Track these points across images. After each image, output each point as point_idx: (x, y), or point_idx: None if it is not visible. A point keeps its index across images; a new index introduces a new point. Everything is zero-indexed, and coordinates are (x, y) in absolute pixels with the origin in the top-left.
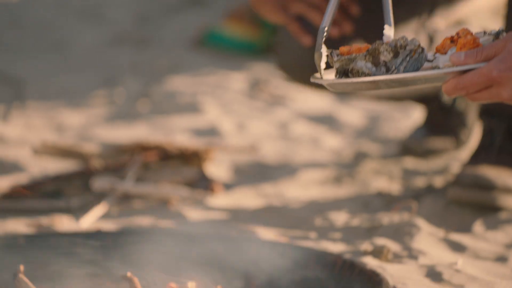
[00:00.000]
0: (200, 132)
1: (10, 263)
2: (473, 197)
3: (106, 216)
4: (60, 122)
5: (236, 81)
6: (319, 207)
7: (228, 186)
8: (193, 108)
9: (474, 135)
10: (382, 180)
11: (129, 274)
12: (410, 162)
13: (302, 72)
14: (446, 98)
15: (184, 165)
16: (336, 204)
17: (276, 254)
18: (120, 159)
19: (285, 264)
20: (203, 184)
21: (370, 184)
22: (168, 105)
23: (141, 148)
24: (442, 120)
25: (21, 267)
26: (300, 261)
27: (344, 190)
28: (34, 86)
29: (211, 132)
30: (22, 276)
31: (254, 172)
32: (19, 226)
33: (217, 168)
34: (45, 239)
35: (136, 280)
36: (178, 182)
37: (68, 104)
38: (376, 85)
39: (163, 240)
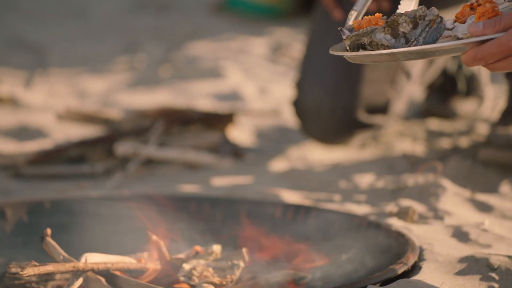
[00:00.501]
0: (222, 97)
1: (37, 227)
2: (507, 158)
3: (129, 181)
4: (82, 88)
5: (258, 45)
6: (343, 170)
7: (251, 150)
8: (214, 73)
9: (503, 96)
10: (406, 142)
11: (154, 237)
12: (434, 124)
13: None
14: (465, 68)
15: (207, 130)
16: (360, 167)
17: (301, 217)
18: (143, 124)
19: (309, 227)
20: (226, 148)
21: (394, 146)
22: (190, 71)
23: (164, 113)
24: (455, 82)
25: (48, 231)
26: (324, 223)
27: (368, 153)
28: (56, 52)
29: (233, 96)
30: (49, 239)
31: (277, 136)
32: (44, 191)
33: (240, 132)
34: (70, 204)
35: (162, 243)
36: (201, 147)
37: (90, 70)
38: (395, 57)
39: (186, 205)
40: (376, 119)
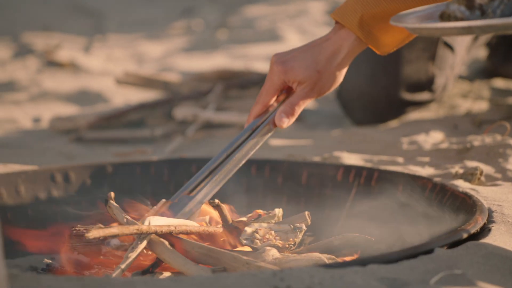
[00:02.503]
0: None
1: (100, 190)
2: None
3: (188, 144)
4: (140, 53)
5: (315, 8)
6: (406, 131)
7: (310, 112)
8: (272, 36)
9: None
10: (471, 102)
11: (217, 201)
12: (498, 83)
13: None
14: None
15: None
16: (424, 127)
17: (363, 179)
18: (201, 88)
19: (371, 189)
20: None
21: (459, 107)
22: (247, 34)
23: (222, 76)
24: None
25: (112, 194)
26: (388, 185)
27: (431, 113)
28: (113, 17)
29: None
30: (112, 202)
31: (336, 97)
32: (106, 155)
33: None
34: (131, 167)
35: (223, 206)
36: None
37: (147, 35)
38: (469, 30)
39: (247, 168)
40: (422, 95)
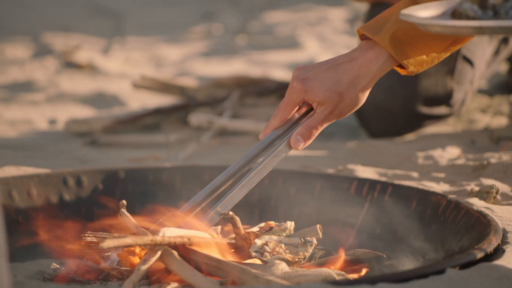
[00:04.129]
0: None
1: (112, 195)
2: None
3: (202, 151)
4: (159, 56)
5: (335, 16)
6: (422, 145)
7: None
8: (291, 43)
9: None
10: (490, 117)
11: (231, 213)
12: None
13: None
14: None
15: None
16: (440, 142)
17: (376, 193)
18: (217, 94)
19: (385, 203)
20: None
21: (477, 122)
22: (266, 40)
23: (239, 83)
24: None
25: (124, 202)
26: (401, 200)
27: (449, 127)
28: (133, 19)
29: None
30: (124, 210)
31: None
32: (119, 160)
33: None
34: (144, 173)
35: (237, 218)
36: None
37: (166, 39)
38: (480, 30)
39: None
40: (439, 110)
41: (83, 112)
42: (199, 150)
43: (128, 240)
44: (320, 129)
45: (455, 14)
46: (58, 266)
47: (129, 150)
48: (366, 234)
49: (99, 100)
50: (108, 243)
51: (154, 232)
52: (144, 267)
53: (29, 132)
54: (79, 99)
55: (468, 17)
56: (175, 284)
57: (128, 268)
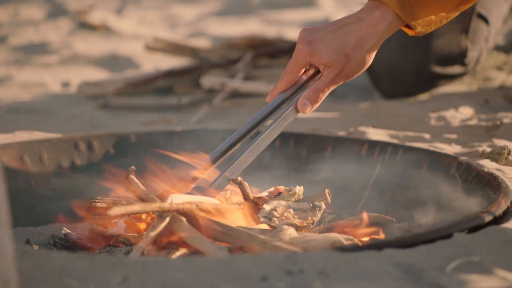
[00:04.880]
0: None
1: (123, 160)
2: None
3: (215, 113)
4: (173, 16)
5: None
6: (435, 105)
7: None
8: (307, 1)
9: None
10: (506, 74)
11: (239, 178)
12: None
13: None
14: None
15: None
16: (453, 102)
17: (388, 155)
18: (230, 56)
19: (395, 165)
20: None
21: (492, 80)
22: None
23: (252, 44)
24: None
25: (133, 168)
26: (412, 162)
27: (463, 86)
28: None
29: None
30: (133, 176)
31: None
32: (131, 123)
33: None
34: (155, 137)
35: (246, 184)
36: None
37: None
38: None
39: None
40: (453, 69)
41: (96, 74)
42: (211, 112)
43: (136, 207)
44: (327, 92)
45: None
46: (69, 231)
47: (141, 113)
48: (377, 196)
49: (112, 62)
50: (116, 210)
51: (162, 199)
52: (153, 234)
53: (42, 95)
54: (92, 61)
55: None
56: (184, 250)
57: (135, 234)
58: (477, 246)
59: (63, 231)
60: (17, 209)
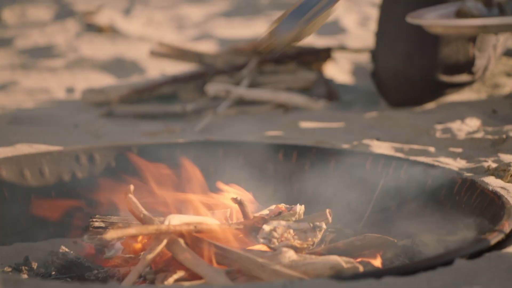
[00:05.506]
0: (321, 28)
1: (125, 172)
2: None
3: (219, 121)
4: (181, 16)
5: None
6: (441, 116)
7: (347, 89)
8: None
9: None
10: None
11: (239, 198)
12: None
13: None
14: None
15: (302, 68)
16: (460, 112)
17: (391, 169)
18: (236, 62)
19: (399, 180)
20: (320, 89)
21: (502, 86)
22: None
23: (257, 50)
24: None
25: (131, 187)
26: (416, 177)
27: (471, 93)
28: None
29: (333, 28)
30: (131, 196)
31: (370, 77)
32: (134, 133)
33: (337, 69)
34: (157, 149)
35: (246, 203)
36: (295, 86)
37: None
38: (485, 29)
39: (273, 153)
40: (460, 77)
41: (102, 79)
42: (216, 120)
43: (132, 230)
44: None
45: (459, 13)
46: (66, 249)
47: (145, 121)
48: (380, 212)
49: (118, 66)
50: (112, 234)
51: (163, 217)
52: (150, 256)
53: (46, 101)
54: (98, 65)
55: (473, 16)
56: (181, 273)
57: (131, 256)
58: (478, 274)
59: (61, 250)
60: (16, 224)
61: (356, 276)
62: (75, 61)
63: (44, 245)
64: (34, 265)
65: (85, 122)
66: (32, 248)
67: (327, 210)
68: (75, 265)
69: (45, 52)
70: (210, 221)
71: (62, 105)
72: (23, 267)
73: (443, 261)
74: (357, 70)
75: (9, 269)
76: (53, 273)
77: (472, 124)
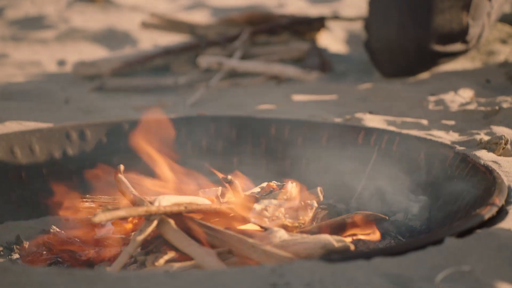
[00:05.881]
0: None
1: (114, 150)
2: None
3: (211, 94)
4: None
5: None
6: (434, 87)
7: (341, 59)
8: None
9: None
10: (510, 49)
11: (230, 177)
12: None
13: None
14: None
15: (295, 38)
16: (454, 83)
17: (384, 143)
18: (228, 33)
19: (392, 154)
20: (314, 59)
21: (497, 53)
22: None
23: (251, 20)
24: None
25: (121, 167)
26: (408, 151)
27: (466, 62)
28: None
29: None
30: (121, 176)
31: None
32: (125, 108)
33: (330, 39)
34: (148, 125)
35: (236, 183)
36: (288, 57)
37: None
38: None
39: (266, 128)
40: (454, 47)
41: (93, 51)
42: (208, 94)
43: (122, 212)
44: None
45: None
46: (57, 229)
47: (137, 95)
48: (372, 186)
49: (110, 37)
50: (101, 217)
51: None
52: (140, 238)
53: (37, 75)
54: (89, 36)
55: None
56: (172, 254)
57: (123, 236)
58: (468, 253)
59: (51, 230)
60: (7, 202)
61: (345, 257)
62: (66, 32)
63: (36, 223)
64: (26, 244)
65: (76, 96)
66: (23, 226)
67: (318, 188)
68: (66, 246)
69: (36, 22)
70: (200, 201)
71: (53, 78)
72: (14, 246)
73: (433, 240)
74: (351, 39)
75: (1, 248)
76: (44, 252)
77: (465, 95)
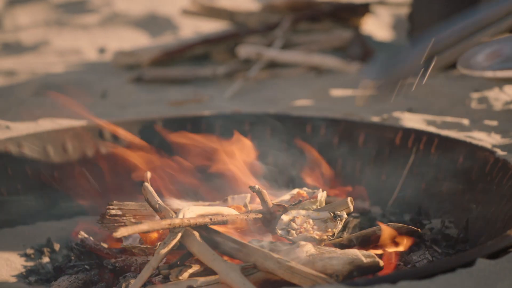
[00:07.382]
0: None
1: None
2: None
3: (250, 85)
4: None
5: None
6: (479, 83)
7: (382, 46)
8: None
9: None
10: None
11: (257, 187)
12: None
13: None
14: None
15: (338, 24)
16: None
17: (422, 145)
18: (269, 21)
19: (430, 157)
20: (356, 49)
21: None
22: None
23: (293, 6)
24: None
25: (148, 175)
26: (448, 154)
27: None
28: None
29: None
30: (147, 184)
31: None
32: (160, 103)
33: (376, 25)
34: (182, 123)
35: (264, 192)
36: (330, 45)
37: None
38: None
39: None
40: None
41: (134, 37)
42: (246, 85)
43: (144, 226)
44: None
45: None
46: (86, 235)
47: (174, 86)
48: (409, 190)
49: (151, 23)
50: (122, 231)
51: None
52: (164, 251)
53: (76, 64)
54: (131, 21)
55: None
56: (196, 267)
57: (148, 246)
58: (502, 277)
59: (79, 236)
60: (39, 202)
61: (369, 282)
62: (109, 17)
63: (68, 224)
64: (57, 246)
65: (113, 88)
66: (54, 227)
67: (349, 199)
68: (94, 253)
69: (79, 7)
70: (226, 211)
71: (92, 68)
72: (45, 249)
73: (463, 262)
74: (397, 24)
75: (31, 251)
76: (72, 258)
77: (510, 92)
